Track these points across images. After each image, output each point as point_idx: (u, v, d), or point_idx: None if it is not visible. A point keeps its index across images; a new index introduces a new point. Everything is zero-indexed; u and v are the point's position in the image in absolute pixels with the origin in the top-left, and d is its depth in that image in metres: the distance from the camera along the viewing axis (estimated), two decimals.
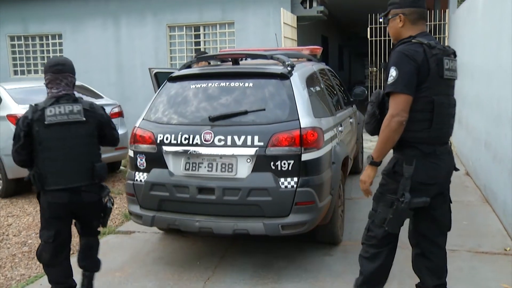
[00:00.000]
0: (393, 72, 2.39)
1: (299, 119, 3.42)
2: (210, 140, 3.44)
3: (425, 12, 2.59)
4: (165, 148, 3.56)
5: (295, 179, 3.33)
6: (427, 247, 2.64)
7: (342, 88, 5.60)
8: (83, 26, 11.25)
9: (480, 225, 4.45)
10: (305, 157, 3.36)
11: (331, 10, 12.50)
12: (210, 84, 3.77)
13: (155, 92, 4.19)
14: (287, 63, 3.74)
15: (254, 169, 3.37)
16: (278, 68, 3.74)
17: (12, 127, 5.15)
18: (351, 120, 5.30)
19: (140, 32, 10.85)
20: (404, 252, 3.15)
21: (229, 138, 3.41)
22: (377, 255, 2.65)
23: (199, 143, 3.47)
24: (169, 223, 3.55)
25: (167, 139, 3.56)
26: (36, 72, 11.74)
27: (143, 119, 3.81)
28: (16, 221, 5.19)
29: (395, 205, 2.46)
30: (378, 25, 10.35)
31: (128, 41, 10.99)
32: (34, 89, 6.42)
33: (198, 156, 3.51)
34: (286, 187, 3.32)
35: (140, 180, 3.63)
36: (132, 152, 3.73)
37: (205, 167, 3.51)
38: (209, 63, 4.50)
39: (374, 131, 2.57)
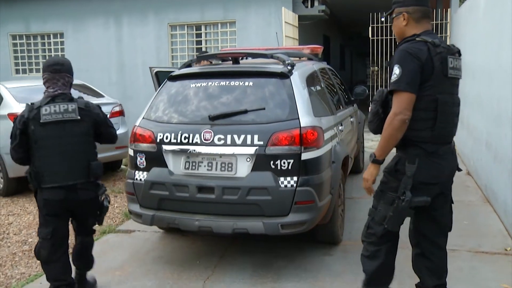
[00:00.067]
0: (396, 70, 2.38)
1: (299, 118, 3.41)
2: (210, 139, 3.44)
3: (429, 10, 2.57)
4: (165, 147, 3.55)
5: (295, 178, 3.33)
6: (428, 247, 2.63)
7: (343, 87, 5.59)
8: (85, 25, 11.27)
9: (481, 225, 4.44)
10: (305, 156, 3.35)
11: (332, 9, 12.48)
12: (210, 83, 3.77)
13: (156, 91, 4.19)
14: (287, 62, 3.73)
15: (254, 168, 3.37)
16: (278, 67, 3.74)
17: None
18: (351, 119, 5.29)
19: (142, 31, 10.85)
20: (404, 252, 3.14)
21: (228, 137, 3.41)
22: (376, 253, 2.65)
23: (199, 142, 3.47)
24: (168, 222, 3.55)
25: (167, 138, 3.56)
26: (37, 71, 11.75)
27: (143, 118, 3.81)
28: (16, 220, 5.20)
29: (395, 203, 2.45)
30: (379, 24, 10.33)
31: (130, 40, 11.00)
32: (35, 88, 6.41)
33: (198, 155, 3.51)
34: (285, 186, 3.32)
35: (140, 179, 3.63)
36: (132, 151, 3.73)
37: (204, 166, 3.50)
38: (211, 62, 4.50)
39: (377, 129, 2.56)
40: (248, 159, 3.39)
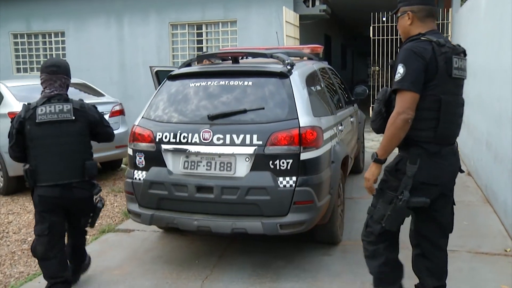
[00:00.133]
0: (400, 69, 2.36)
1: (298, 118, 3.40)
2: (209, 139, 3.43)
3: (434, 9, 2.55)
4: (164, 146, 3.55)
5: (294, 178, 3.32)
6: (428, 248, 2.62)
7: (343, 87, 5.58)
8: (86, 24, 11.28)
9: (481, 225, 4.43)
10: (304, 156, 3.34)
11: (334, 9, 12.47)
12: (209, 83, 3.76)
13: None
14: (286, 61, 3.72)
15: (253, 168, 3.36)
16: (278, 67, 3.73)
17: None
18: (352, 119, 5.28)
19: (143, 31, 10.86)
20: (404, 252, 3.11)
21: (228, 136, 3.40)
22: (375, 252, 2.63)
23: (197, 141, 3.46)
24: (167, 221, 3.54)
25: (166, 137, 3.55)
26: (38, 70, 11.54)
27: (142, 117, 3.80)
28: (16, 219, 5.20)
29: (393, 202, 2.44)
30: (380, 24, 10.32)
31: (131, 39, 11.00)
32: (36, 86, 6.38)
33: (197, 155, 3.50)
34: (284, 186, 3.31)
35: (139, 179, 3.62)
36: (131, 150, 3.72)
37: (203, 165, 3.50)
38: (213, 62, 4.49)
39: (380, 129, 2.54)
40: (247, 159, 3.38)
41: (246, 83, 3.65)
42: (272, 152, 3.33)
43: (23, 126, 3.03)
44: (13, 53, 12.06)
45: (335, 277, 3.46)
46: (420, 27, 2.50)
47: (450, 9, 10.06)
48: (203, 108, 3.62)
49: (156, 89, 4.25)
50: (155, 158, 3.58)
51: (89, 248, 4.16)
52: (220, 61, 4.51)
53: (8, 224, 5.04)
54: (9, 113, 5.82)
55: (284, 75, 3.63)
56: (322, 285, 3.36)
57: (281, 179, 3.31)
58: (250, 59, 4.51)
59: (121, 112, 6.92)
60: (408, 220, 2.60)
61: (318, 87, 4.24)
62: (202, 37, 10.71)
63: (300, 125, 3.37)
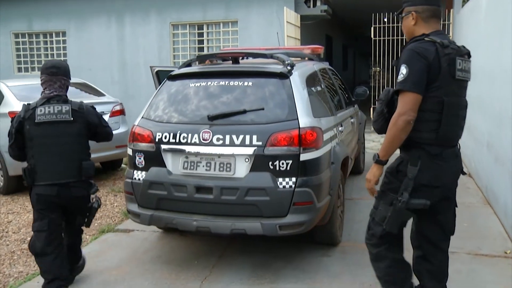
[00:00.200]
0: (403, 70, 2.34)
1: (298, 119, 3.40)
2: (208, 139, 3.43)
3: (439, 10, 2.52)
4: (163, 146, 3.54)
5: (293, 179, 3.31)
6: (429, 250, 2.59)
7: (344, 88, 5.58)
8: (87, 24, 11.28)
9: (481, 227, 4.42)
10: (304, 157, 3.34)
11: (335, 9, 12.46)
12: (209, 83, 3.75)
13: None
14: (286, 62, 3.71)
15: (252, 169, 3.36)
16: (278, 67, 3.72)
17: None
18: (352, 120, 5.27)
19: (144, 30, 10.86)
20: (404, 254, 3.12)
21: (227, 137, 3.40)
22: (378, 254, 2.61)
23: (197, 142, 3.46)
24: (166, 222, 3.54)
25: (165, 137, 3.55)
26: (39, 69, 11.72)
27: (142, 117, 3.80)
28: (16, 218, 5.20)
29: (394, 204, 2.43)
30: (382, 25, 10.31)
31: (132, 39, 11.00)
32: (36, 86, 6.39)
33: (197, 155, 3.49)
34: (284, 187, 3.30)
35: (139, 179, 3.62)
36: (131, 150, 3.72)
37: (203, 166, 3.49)
38: (215, 62, 4.48)
39: (382, 129, 2.52)
40: (247, 160, 3.38)
41: (246, 83, 3.64)
42: (271, 152, 3.32)
43: (23, 126, 3.10)
44: (14, 53, 12.07)
45: (334, 278, 3.45)
46: (424, 28, 2.47)
47: (451, 10, 10.04)
48: (203, 109, 3.62)
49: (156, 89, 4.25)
50: (154, 158, 3.58)
51: (89, 248, 4.17)
52: (221, 61, 4.50)
53: (8, 223, 5.04)
54: (10, 113, 5.82)
55: (284, 76, 3.62)
56: (321, 286, 3.35)
57: (280, 180, 3.31)
58: (250, 60, 4.50)
59: (121, 112, 6.92)
60: (410, 222, 2.58)
61: (318, 88, 4.23)
62: (203, 37, 10.71)
63: (300, 126, 3.36)
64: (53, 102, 3.13)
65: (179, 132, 3.52)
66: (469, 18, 7.31)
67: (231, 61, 4.16)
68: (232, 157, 3.41)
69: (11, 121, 3.16)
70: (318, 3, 10.42)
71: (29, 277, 3.66)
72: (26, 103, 3.18)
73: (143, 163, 3.63)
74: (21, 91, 6.32)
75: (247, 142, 3.35)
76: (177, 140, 3.51)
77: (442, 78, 2.34)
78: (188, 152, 3.49)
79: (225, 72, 3.90)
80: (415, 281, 2.71)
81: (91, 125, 3.25)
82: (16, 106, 5.92)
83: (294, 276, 3.50)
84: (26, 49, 12.03)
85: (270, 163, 3.32)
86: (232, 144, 3.38)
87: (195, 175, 3.50)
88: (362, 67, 30.24)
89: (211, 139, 3.42)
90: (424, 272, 2.63)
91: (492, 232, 4.27)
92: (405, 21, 2.56)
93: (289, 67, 3.67)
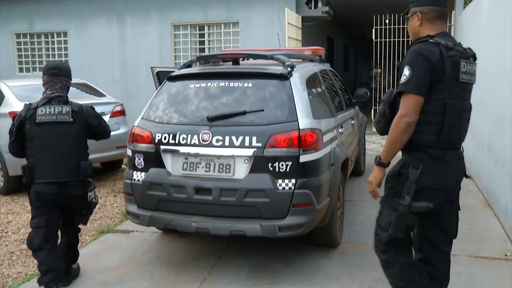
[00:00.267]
0: (406, 71, 2.32)
1: (298, 120, 3.39)
2: (208, 140, 3.42)
3: (445, 11, 2.49)
4: (163, 147, 3.54)
5: (293, 180, 3.30)
6: (431, 253, 2.57)
7: (344, 89, 5.57)
8: (88, 24, 11.29)
9: (481, 229, 4.40)
10: (304, 158, 3.33)
11: (336, 10, 12.45)
12: (209, 84, 3.75)
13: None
14: (287, 63, 3.71)
15: (252, 170, 3.35)
16: (278, 69, 3.71)
17: None
18: (352, 121, 5.26)
19: (145, 31, 10.87)
20: None
21: (227, 138, 3.39)
22: (387, 260, 2.57)
23: (197, 143, 3.45)
24: (166, 223, 3.53)
25: (165, 138, 3.54)
26: (41, 69, 11.65)
27: (141, 118, 3.80)
28: (16, 218, 5.20)
29: (397, 208, 2.41)
30: (383, 26, 10.30)
31: (133, 39, 11.01)
32: (37, 86, 6.40)
33: (196, 156, 3.49)
34: (283, 188, 3.30)
35: (138, 180, 3.61)
36: (131, 151, 3.71)
37: (202, 167, 3.49)
38: (218, 63, 4.47)
39: (384, 130, 2.50)
40: (246, 161, 3.37)
41: (246, 84, 3.63)
42: (271, 154, 3.31)
43: (23, 125, 3.18)
44: (15, 53, 12.09)
45: (334, 280, 3.44)
46: (429, 29, 2.45)
47: (453, 12, 10.03)
48: (203, 110, 3.61)
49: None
50: (154, 159, 3.57)
51: (88, 249, 4.17)
52: (221, 62, 4.50)
53: (8, 223, 5.03)
54: (10, 113, 5.82)
55: (284, 77, 3.61)
56: None
57: (280, 181, 3.30)
58: (250, 61, 4.50)
59: (122, 113, 6.91)
60: None
61: (319, 89, 4.23)
62: (204, 38, 10.71)
63: (300, 127, 3.35)
64: (54, 102, 3.20)
65: (178, 133, 3.52)
66: (471, 20, 7.30)
67: (231, 62, 4.15)
68: (232, 158, 3.41)
69: (12, 120, 3.24)
70: (320, 4, 10.43)
71: (28, 278, 3.66)
72: (27, 103, 3.25)
73: (143, 164, 3.62)
74: (22, 91, 6.32)
75: (247, 143, 3.35)
76: (177, 141, 3.50)
77: (446, 80, 2.32)
78: (188, 153, 3.48)
79: (225, 73, 3.89)
80: None
81: (91, 126, 3.34)
82: (17, 106, 5.93)
83: (293, 277, 3.49)
84: (27, 49, 12.05)
85: (270, 164, 3.31)
86: (231, 145, 3.38)
87: (194, 176, 3.49)
88: (364, 68, 30.21)
89: (211, 140, 3.42)
90: (425, 275, 2.61)
91: (492, 234, 4.26)
92: (410, 21, 2.54)
93: (289, 69, 3.66)
